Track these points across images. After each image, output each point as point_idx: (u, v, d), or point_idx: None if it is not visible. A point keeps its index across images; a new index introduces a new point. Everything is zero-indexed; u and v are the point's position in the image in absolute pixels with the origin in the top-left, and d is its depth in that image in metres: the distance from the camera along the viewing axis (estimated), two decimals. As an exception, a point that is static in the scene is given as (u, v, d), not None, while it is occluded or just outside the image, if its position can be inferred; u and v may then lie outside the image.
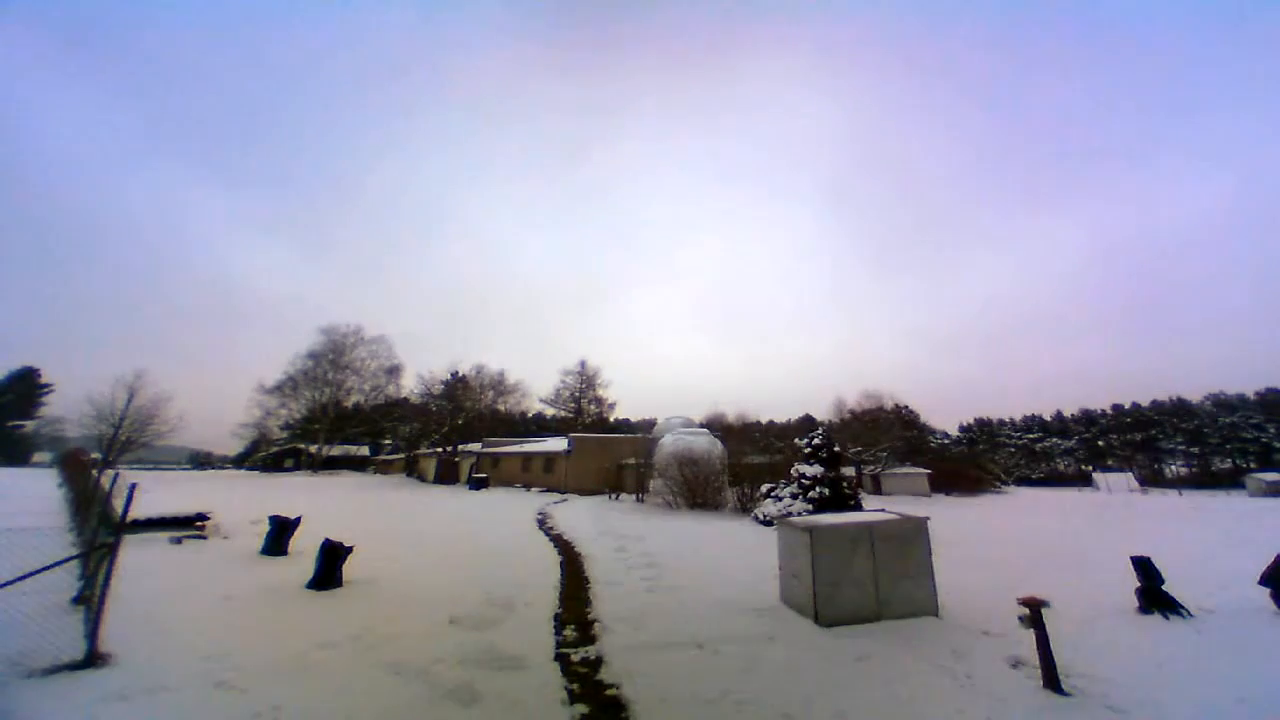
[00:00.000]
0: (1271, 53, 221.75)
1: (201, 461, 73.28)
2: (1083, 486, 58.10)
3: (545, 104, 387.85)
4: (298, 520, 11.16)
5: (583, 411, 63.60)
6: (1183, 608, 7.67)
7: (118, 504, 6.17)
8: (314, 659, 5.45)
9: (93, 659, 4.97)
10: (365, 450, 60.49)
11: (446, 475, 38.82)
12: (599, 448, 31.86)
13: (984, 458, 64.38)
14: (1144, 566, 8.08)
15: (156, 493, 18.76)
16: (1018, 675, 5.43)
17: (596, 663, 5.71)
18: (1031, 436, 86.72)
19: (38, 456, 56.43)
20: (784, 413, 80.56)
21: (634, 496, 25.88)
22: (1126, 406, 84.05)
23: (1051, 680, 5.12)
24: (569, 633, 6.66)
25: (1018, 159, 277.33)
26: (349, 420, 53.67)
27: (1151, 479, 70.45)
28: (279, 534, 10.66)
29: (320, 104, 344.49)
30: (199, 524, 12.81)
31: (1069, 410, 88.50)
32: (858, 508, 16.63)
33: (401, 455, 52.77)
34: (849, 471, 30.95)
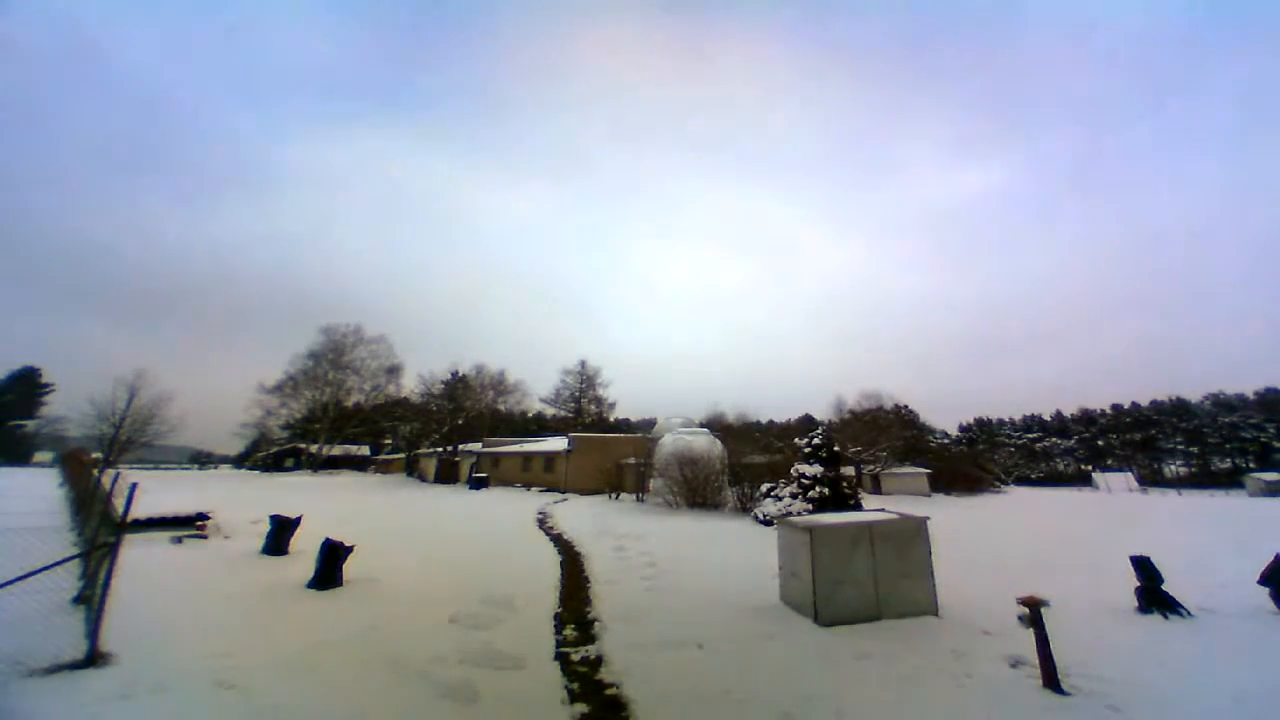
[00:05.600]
0: (1270, 51, 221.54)
1: (202, 461, 73.23)
2: (1082, 486, 58.13)
3: (546, 102, 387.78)
4: (298, 520, 11.15)
5: (583, 411, 63.58)
6: (1182, 607, 7.67)
7: (118, 504, 6.16)
8: (315, 658, 5.46)
9: (94, 658, 4.97)
10: (365, 450, 60.42)
11: (447, 475, 38.81)
12: (599, 447, 31.84)
13: (984, 457, 64.38)
14: (1143, 566, 8.09)
15: (157, 492, 18.75)
16: (1017, 675, 5.44)
17: (596, 662, 5.71)
18: (1031, 436, 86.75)
19: (39, 456, 56.38)
20: (784, 413, 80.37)
21: (634, 496, 25.89)
22: (1126, 406, 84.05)
23: (1051, 680, 5.12)
24: (569, 632, 6.67)
25: (1017, 158, 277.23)
26: (349, 420, 53.57)
27: (1151, 479, 70.45)
28: (279, 533, 10.66)
29: (320, 100, 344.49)
30: (200, 524, 12.81)
31: (1069, 410, 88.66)
32: (858, 507, 16.63)
33: (402, 455, 52.76)
34: (849, 471, 30.89)
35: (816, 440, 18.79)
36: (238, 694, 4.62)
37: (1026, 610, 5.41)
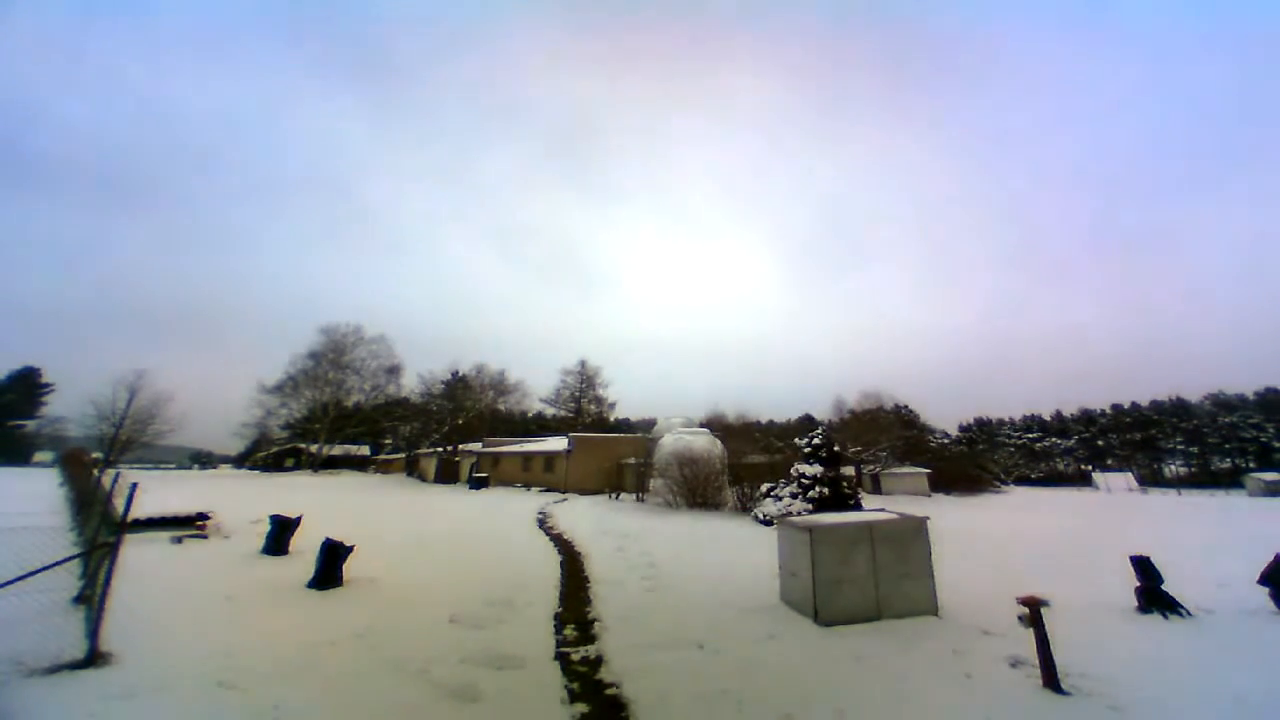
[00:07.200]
0: (1264, 45, 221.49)
1: (202, 461, 73.22)
2: (1082, 486, 58.10)
3: (547, 100, 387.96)
4: (298, 520, 11.15)
5: (583, 411, 63.61)
6: (1182, 607, 7.67)
7: (119, 503, 6.16)
8: (315, 658, 5.46)
9: (94, 658, 4.98)
10: (366, 450, 60.43)
11: (447, 475, 38.80)
12: (599, 447, 31.84)
13: (984, 457, 64.45)
14: (1143, 566, 8.09)
15: (157, 492, 18.74)
16: (1017, 675, 5.44)
17: (596, 662, 5.72)
18: (1031, 436, 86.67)
19: (39, 456, 56.39)
20: (784, 413, 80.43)
21: (634, 496, 25.88)
22: (1126, 406, 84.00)
23: (1051, 680, 5.12)
24: (569, 632, 6.67)
25: (1014, 156, 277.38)
26: (349, 420, 53.56)
27: (1151, 479, 70.43)
28: (280, 533, 10.66)
29: (320, 100, 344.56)
30: (200, 523, 12.81)
31: (1068, 410, 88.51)
32: (858, 507, 16.63)
33: (402, 455, 52.72)
34: (849, 471, 30.88)
35: (816, 440, 18.79)
36: (238, 694, 4.62)
37: (1026, 610, 5.41)
